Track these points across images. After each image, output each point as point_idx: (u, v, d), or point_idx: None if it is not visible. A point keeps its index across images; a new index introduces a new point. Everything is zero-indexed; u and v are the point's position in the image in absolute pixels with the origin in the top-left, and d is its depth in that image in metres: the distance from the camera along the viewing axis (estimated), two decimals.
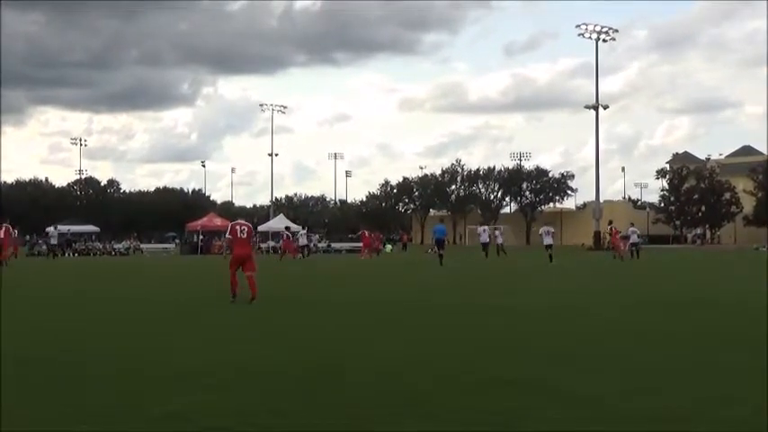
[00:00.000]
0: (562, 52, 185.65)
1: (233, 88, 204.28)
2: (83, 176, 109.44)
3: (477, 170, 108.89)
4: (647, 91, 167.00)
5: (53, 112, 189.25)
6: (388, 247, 64.35)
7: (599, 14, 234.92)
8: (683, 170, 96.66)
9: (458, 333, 9.89)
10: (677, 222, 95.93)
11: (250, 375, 6.86)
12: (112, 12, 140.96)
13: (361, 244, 52.09)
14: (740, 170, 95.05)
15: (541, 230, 35.38)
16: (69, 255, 54.82)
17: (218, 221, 61.07)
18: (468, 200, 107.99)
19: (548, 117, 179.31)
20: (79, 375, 6.95)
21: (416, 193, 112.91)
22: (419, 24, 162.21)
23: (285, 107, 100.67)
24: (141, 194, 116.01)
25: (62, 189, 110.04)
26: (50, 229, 53.59)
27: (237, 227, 14.91)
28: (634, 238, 41.72)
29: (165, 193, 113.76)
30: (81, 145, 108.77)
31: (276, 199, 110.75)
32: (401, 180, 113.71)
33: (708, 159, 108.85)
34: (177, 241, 72.59)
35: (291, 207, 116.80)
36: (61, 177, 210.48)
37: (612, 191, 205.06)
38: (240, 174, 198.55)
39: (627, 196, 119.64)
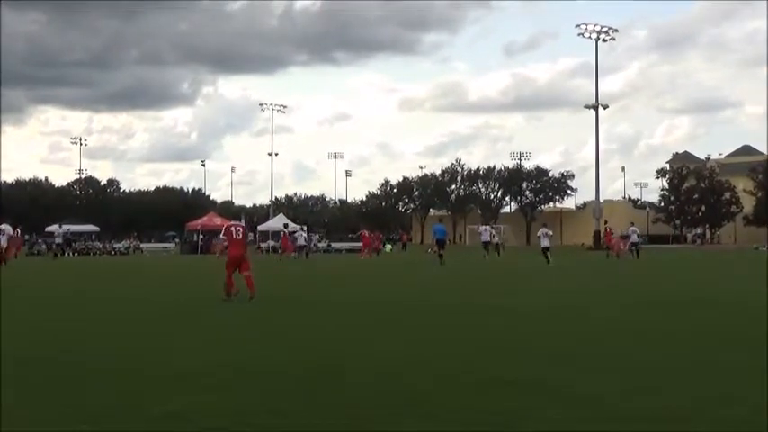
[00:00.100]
0: (562, 52, 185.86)
1: (233, 88, 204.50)
2: (83, 176, 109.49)
3: (477, 170, 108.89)
4: (647, 91, 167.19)
5: (53, 111, 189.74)
6: (388, 246, 64.36)
7: (599, 14, 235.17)
8: (683, 170, 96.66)
9: (458, 333, 9.89)
10: (677, 222, 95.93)
11: (250, 375, 6.86)
12: (113, 11, 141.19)
13: (360, 244, 52.10)
14: (740, 170, 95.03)
15: (540, 232, 34.13)
16: (69, 254, 54.85)
17: (218, 221, 60.98)
18: (468, 200, 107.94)
19: (548, 117, 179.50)
20: (79, 375, 6.96)
21: (416, 193, 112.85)
22: (419, 24, 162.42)
23: (285, 107, 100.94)
24: (141, 194, 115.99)
25: (62, 188, 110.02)
26: (56, 227, 53.57)
27: (232, 228, 14.94)
28: (634, 238, 41.72)
29: (164, 193, 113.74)
30: (81, 144, 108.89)
31: (276, 198, 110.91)
32: (401, 180, 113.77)
33: (708, 159, 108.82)
34: (177, 241, 72.56)
35: (291, 207, 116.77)
36: (61, 177, 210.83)
37: (612, 190, 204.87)
38: (240, 173, 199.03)
39: (627, 196, 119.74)
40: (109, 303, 14.90)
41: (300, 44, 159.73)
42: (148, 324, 11.21)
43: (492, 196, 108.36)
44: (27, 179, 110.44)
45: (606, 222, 43.04)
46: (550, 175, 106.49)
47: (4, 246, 28.65)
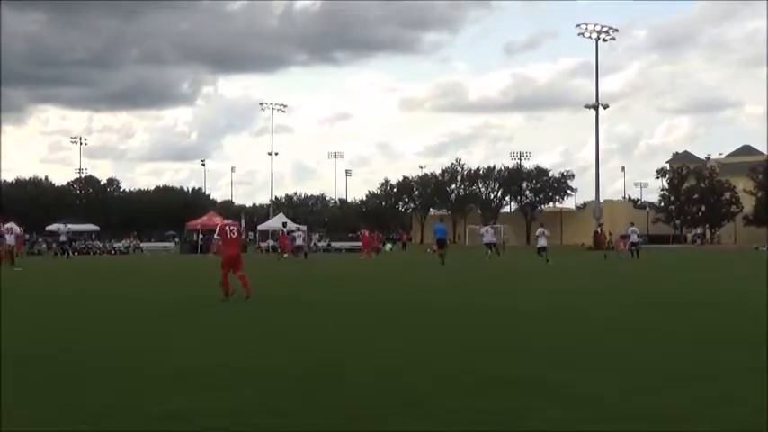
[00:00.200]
0: (562, 52, 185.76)
1: (233, 87, 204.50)
2: (83, 175, 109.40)
3: (477, 170, 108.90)
4: (647, 91, 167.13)
5: (53, 110, 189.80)
6: (388, 246, 64.40)
7: (599, 14, 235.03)
8: (683, 170, 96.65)
9: (458, 333, 9.89)
10: (677, 222, 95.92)
11: (249, 375, 6.86)
12: (113, 11, 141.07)
13: (360, 243, 52.10)
14: (740, 170, 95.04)
15: (537, 232, 35.74)
16: (73, 254, 54.84)
17: (218, 220, 60.86)
18: (468, 199, 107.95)
19: (548, 117, 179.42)
20: (79, 375, 6.96)
21: (416, 193, 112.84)
22: (419, 24, 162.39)
23: (285, 106, 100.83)
24: (141, 193, 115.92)
25: (62, 188, 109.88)
26: (60, 227, 53.51)
27: (227, 227, 14.98)
28: (634, 238, 41.73)
29: (164, 192, 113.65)
30: (81, 144, 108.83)
31: (276, 198, 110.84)
32: (401, 179, 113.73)
33: (708, 159, 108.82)
34: (177, 240, 72.58)
35: (291, 206, 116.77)
36: (61, 176, 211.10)
37: (612, 190, 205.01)
38: (240, 173, 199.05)
39: (627, 196, 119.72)
40: (109, 303, 14.90)
41: (300, 44, 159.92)
42: (148, 323, 11.21)
43: (492, 196, 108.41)
44: (27, 178, 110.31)
45: (601, 225, 43.37)
46: (550, 174, 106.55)
47: (13, 245, 28.69)
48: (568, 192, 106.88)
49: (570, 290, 17.67)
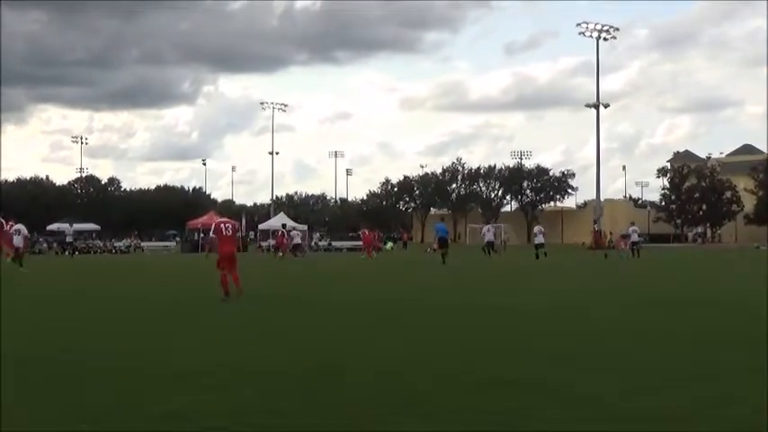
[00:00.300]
0: (563, 51, 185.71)
1: (234, 87, 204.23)
2: (83, 174, 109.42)
3: (478, 169, 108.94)
4: (647, 90, 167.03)
5: (54, 110, 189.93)
6: (389, 245, 64.43)
7: (600, 13, 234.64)
8: (683, 169, 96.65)
9: (458, 333, 9.89)
10: (678, 221, 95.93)
11: (249, 375, 6.86)
12: (113, 11, 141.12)
13: (361, 242, 52.08)
14: (741, 169, 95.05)
15: (535, 230, 38.18)
16: (78, 253, 54.89)
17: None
18: (469, 198, 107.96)
19: (548, 116, 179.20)
20: (79, 374, 6.96)
21: (417, 192, 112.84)
22: (419, 24, 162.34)
23: (286, 105, 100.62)
24: (142, 192, 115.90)
25: (63, 187, 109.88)
26: (66, 227, 53.57)
27: (222, 225, 14.88)
28: (634, 237, 41.73)
29: (165, 192, 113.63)
30: (82, 143, 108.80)
31: (277, 197, 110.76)
32: (402, 179, 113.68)
33: (708, 158, 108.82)
34: (178, 239, 72.60)
35: (292, 205, 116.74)
36: (62, 175, 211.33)
37: (613, 189, 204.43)
38: (241, 172, 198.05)
39: (628, 195, 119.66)
40: (109, 302, 14.91)
41: (301, 43, 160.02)
42: (148, 323, 11.21)
43: (493, 195, 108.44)
44: (28, 178, 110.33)
45: (596, 224, 44.45)
46: (551, 173, 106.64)
47: (20, 245, 28.71)
48: (569, 191, 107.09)
49: (571, 289, 17.66)
